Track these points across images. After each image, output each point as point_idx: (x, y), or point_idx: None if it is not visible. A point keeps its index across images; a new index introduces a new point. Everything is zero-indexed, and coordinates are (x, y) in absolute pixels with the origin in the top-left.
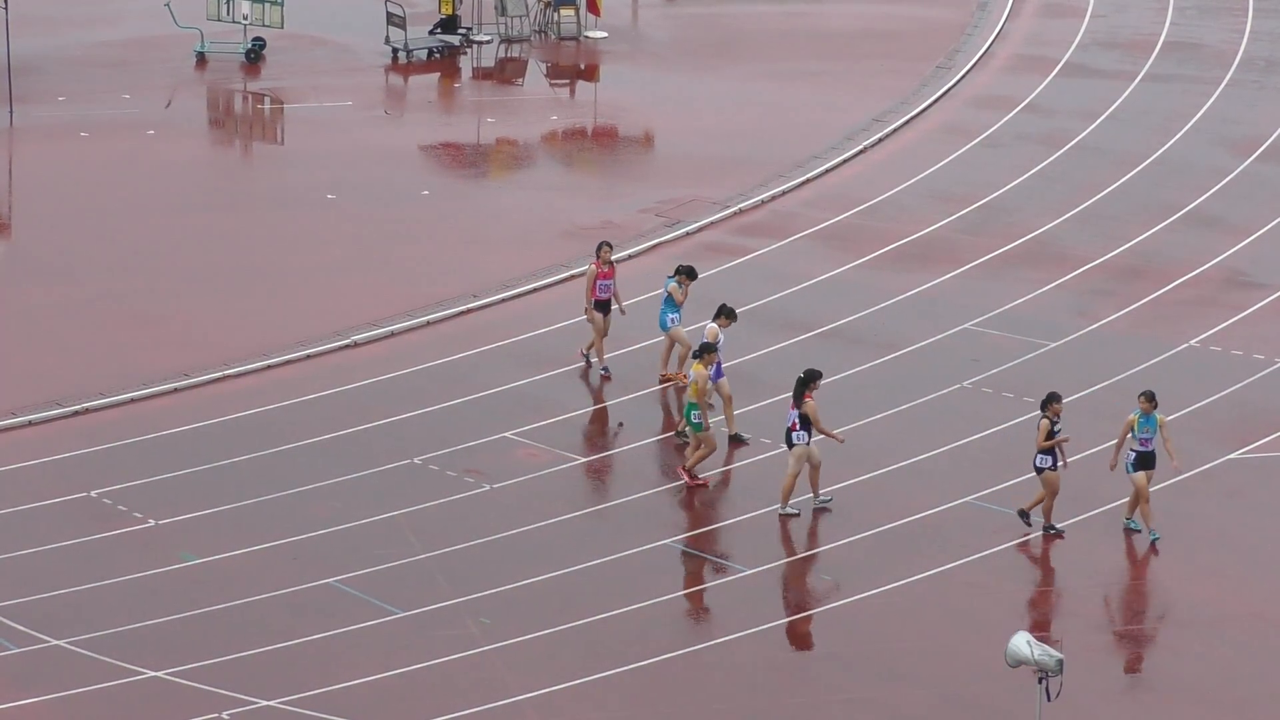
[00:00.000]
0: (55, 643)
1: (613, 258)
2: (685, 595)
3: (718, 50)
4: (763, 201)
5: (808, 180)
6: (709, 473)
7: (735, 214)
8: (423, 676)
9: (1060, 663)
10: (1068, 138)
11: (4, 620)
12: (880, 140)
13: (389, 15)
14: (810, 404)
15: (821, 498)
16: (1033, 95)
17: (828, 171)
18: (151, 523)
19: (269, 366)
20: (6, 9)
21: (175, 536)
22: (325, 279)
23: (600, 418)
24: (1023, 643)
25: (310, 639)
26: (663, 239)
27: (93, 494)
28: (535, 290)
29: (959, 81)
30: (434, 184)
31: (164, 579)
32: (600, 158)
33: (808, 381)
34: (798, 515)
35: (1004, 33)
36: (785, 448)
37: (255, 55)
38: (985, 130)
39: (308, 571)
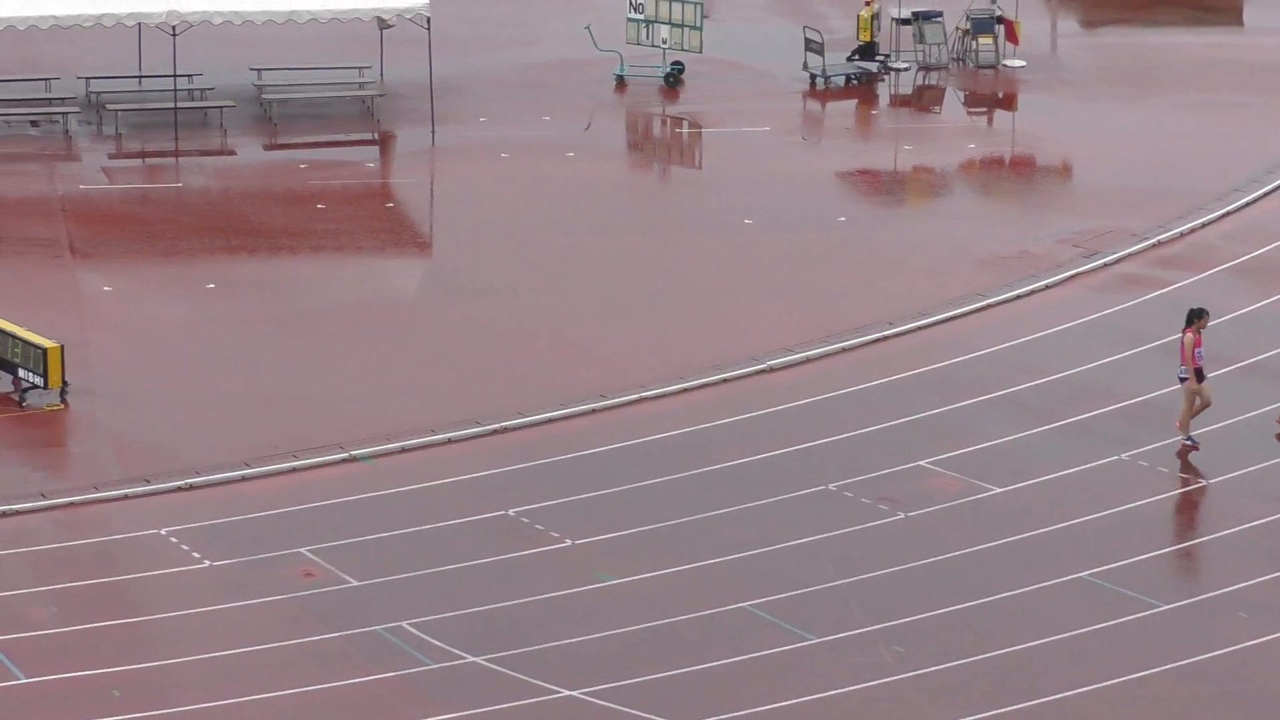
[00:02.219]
0: (471, 659)
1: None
2: (1098, 629)
3: (1137, 80)
4: (1181, 234)
5: (1227, 213)
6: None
7: (1153, 246)
8: (835, 703)
9: None
10: None
11: (421, 635)
12: None
13: (807, 41)
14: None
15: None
16: None
17: (1248, 204)
18: (568, 542)
19: (685, 390)
20: (429, 31)
21: (591, 556)
22: (741, 303)
23: (1015, 449)
24: None
25: (723, 662)
26: (1079, 270)
27: (510, 513)
28: (951, 319)
29: None
30: (850, 210)
31: (579, 598)
32: (1017, 187)
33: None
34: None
35: None
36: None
37: (674, 79)
38: None
39: (722, 595)
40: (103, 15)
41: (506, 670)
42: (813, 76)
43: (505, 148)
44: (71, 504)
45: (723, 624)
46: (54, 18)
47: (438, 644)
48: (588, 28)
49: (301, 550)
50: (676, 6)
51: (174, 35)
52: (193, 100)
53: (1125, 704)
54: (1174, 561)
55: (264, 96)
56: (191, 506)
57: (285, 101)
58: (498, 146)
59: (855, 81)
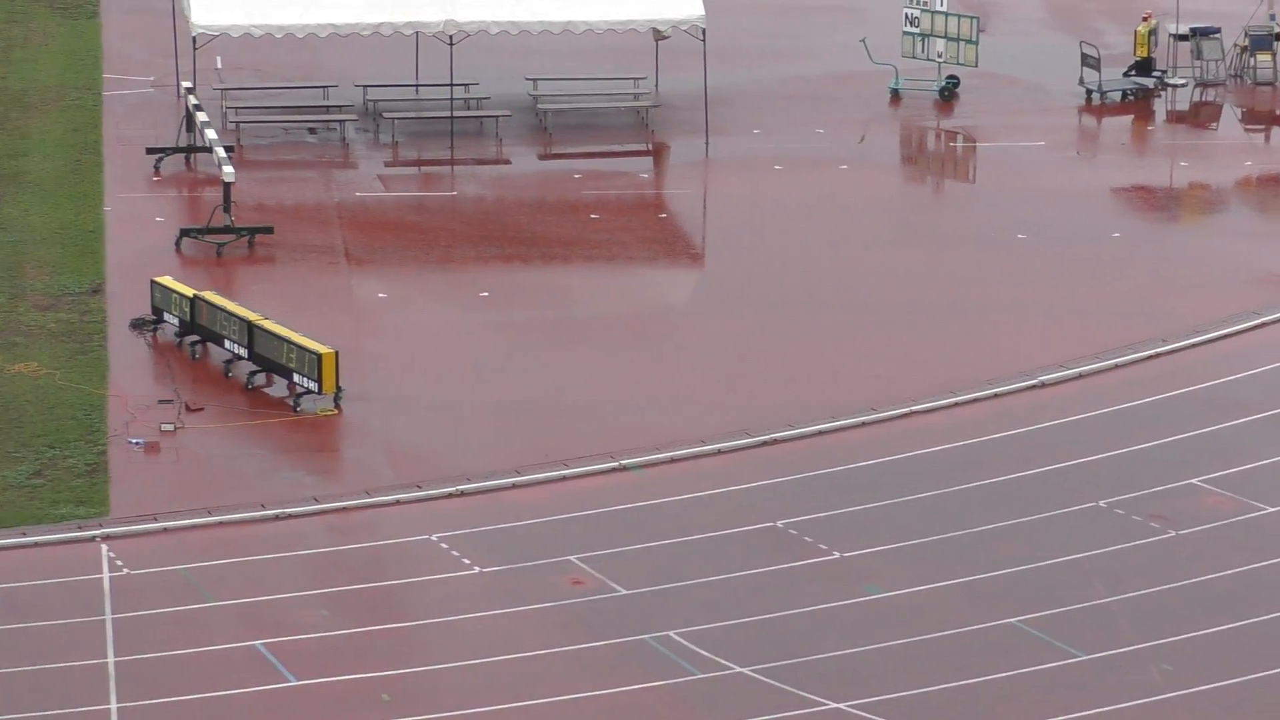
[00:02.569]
0: (739, 670)
1: None
2: None
3: None
4: None
5: None
6: None
7: None
8: None
9: None
10: None
11: (689, 645)
12: None
13: (1084, 56)
14: None
15: None
16: None
17: None
18: (836, 555)
19: (956, 404)
20: (704, 42)
21: (859, 569)
22: (1014, 318)
23: None
24: None
25: (991, 678)
26: None
27: (778, 524)
28: (1226, 337)
29: None
30: (1125, 226)
31: (847, 611)
32: None
33: None
34: None
35: None
36: None
37: (949, 93)
38: None
39: (990, 610)
40: (381, 24)
41: (773, 681)
42: (1089, 91)
43: (779, 160)
44: (344, 508)
45: (990, 639)
46: (332, 26)
47: (705, 654)
48: (863, 41)
49: (570, 558)
50: (952, 20)
51: (451, 45)
52: (468, 109)
53: None
54: None
55: (539, 106)
56: (462, 513)
57: (560, 111)
58: (771, 158)
59: (1131, 97)
